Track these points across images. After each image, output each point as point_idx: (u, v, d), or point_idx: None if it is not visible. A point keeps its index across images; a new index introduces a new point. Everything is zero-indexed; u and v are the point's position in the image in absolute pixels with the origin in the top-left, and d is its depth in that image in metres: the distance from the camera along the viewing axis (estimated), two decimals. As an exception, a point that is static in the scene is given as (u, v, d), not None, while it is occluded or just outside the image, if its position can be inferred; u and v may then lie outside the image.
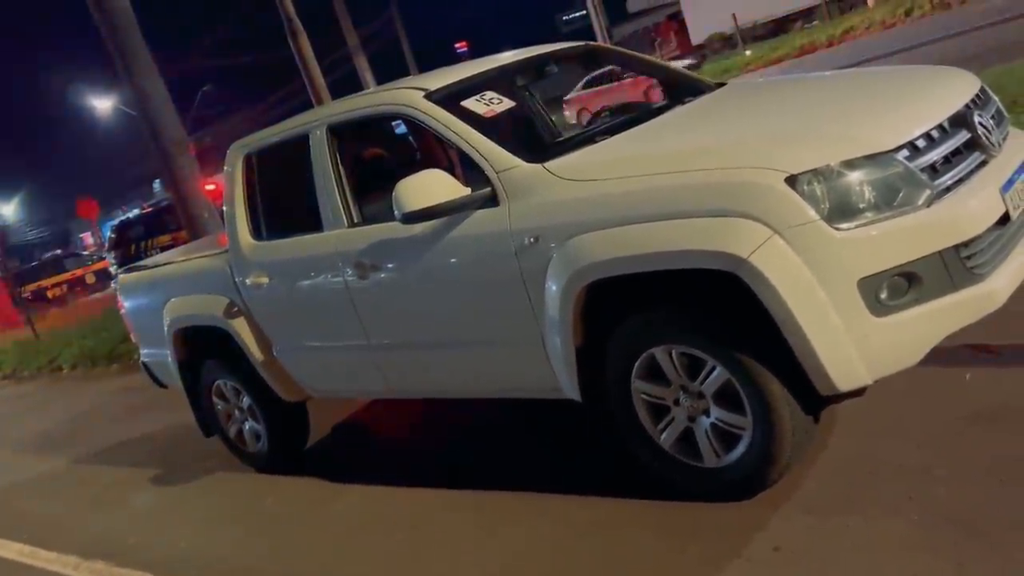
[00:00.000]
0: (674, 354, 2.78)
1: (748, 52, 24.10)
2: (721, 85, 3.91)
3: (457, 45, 43.61)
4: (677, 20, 33.96)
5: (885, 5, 22.02)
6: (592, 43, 4.58)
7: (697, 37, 31.18)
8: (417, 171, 3.14)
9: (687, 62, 23.11)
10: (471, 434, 4.46)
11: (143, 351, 5.31)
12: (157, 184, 41.15)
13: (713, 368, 2.71)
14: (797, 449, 2.71)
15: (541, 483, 3.50)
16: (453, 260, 3.22)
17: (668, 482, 2.99)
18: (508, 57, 3.99)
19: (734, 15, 26.72)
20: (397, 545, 3.49)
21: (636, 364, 2.87)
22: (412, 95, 3.42)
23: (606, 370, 2.96)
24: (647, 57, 4.63)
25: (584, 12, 29.31)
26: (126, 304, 5.22)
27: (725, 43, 28.38)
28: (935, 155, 2.55)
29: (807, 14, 28.36)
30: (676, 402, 2.87)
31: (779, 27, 28.72)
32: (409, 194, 3.06)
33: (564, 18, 52.88)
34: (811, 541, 2.57)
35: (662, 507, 2.99)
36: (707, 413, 2.81)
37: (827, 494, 2.78)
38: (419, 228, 3.25)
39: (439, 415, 4.81)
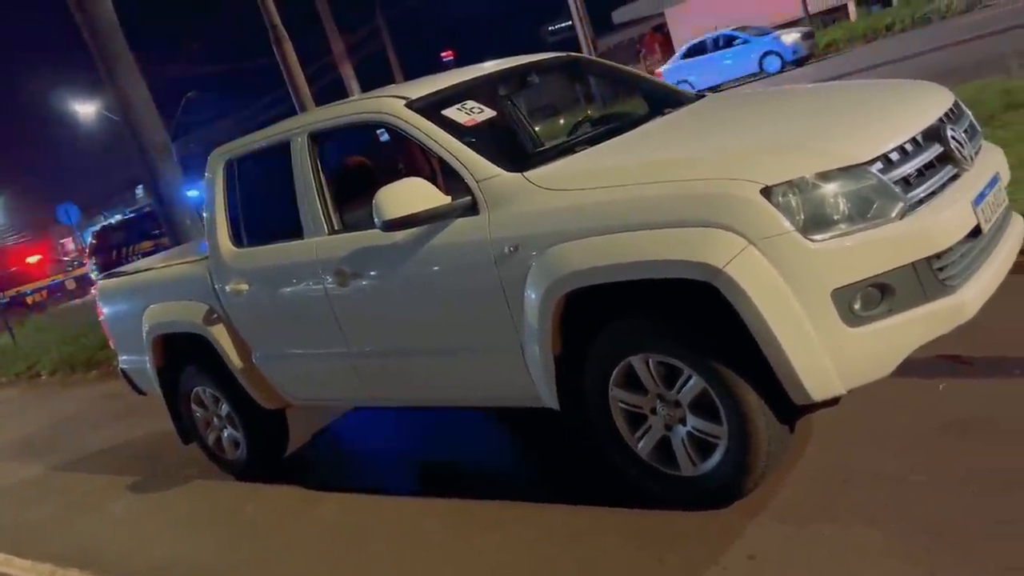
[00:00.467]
0: (651, 363, 2.80)
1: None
2: (701, 96, 3.95)
3: (443, 54, 43.67)
4: (662, 32, 34.15)
5: (867, 19, 22.26)
6: (574, 54, 4.61)
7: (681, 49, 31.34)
8: (399, 179, 3.15)
9: (804, 29, 21.20)
10: (451, 442, 4.46)
11: (121, 358, 5.28)
12: (140, 189, 40.91)
13: (689, 377, 2.73)
14: (772, 458, 2.73)
15: (522, 491, 3.51)
16: (433, 268, 3.23)
17: (646, 490, 3.01)
18: (490, 67, 4.01)
19: (716, 28, 26.87)
20: (378, 552, 3.48)
21: (614, 372, 2.89)
22: (393, 103, 3.43)
23: (584, 378, 2.98)
24: (628, 69, 4.66)
25: (570, 23, 29.42)
26: (105, 310, 5.19)
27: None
28: (908, 168, 2.58)
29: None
30: (653, 411, 2.89)
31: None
32: (389, 202, 3.06)
33: (550, 28, 53.05)
34: (787, 549, 2.59)
35: (641, 515, 3.01)
36: (683, 422, 2.83)
37: (803, 502, 2.80)
38: (399, 236, 3.26)
39: (419, 423, 4.81)
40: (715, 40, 21.20)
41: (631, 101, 4.46)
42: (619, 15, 42.46)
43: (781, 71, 19.79)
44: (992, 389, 3.10)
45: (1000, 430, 2.83)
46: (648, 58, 33.37)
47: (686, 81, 20.92)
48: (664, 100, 3.94)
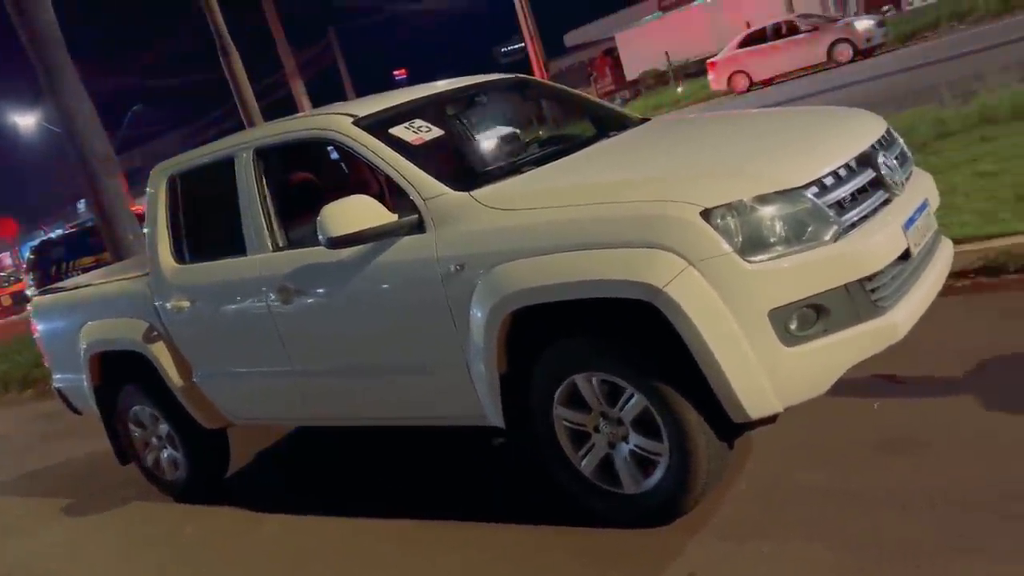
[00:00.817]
0: (595, 381, 2.83)
1: (680, 89, 24.66)
2: (645, 120, 4.02)
3: (396, 72, 43.82)
4: (612, 56, 34.65)
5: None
6: (523, 75, 4.66)
7: (631, 73, 31.82)
8: (346, 196, 3.14)
9: (877, 17, 19.42)
10: (395, 462, 4.42)
11: (56, 376, 5.14)
12: (82, 204, 39.98)
13: (631, 395, 2.76)
14: (712, 475, 2.77)
15: (467, 510, 3.50)
16: (378, 286, 3.22)
17: (589, 508, 3.02)
18: (439, 86, 4.03)
19: (667, 53, 27.37)
20: (321, 573, 3.43)
21: (558, 391, 2.91)
22: (340, 121, 3.43)
23: (529, 397, 2.99)
24: (575, 91, 4.73)
25: (522, 44, 29.70)
26: (40, 327, 5.05)
27: (658, 79, 28.99)
28: (842, 192, 2.66)
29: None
30: (596, 428, 2.92)
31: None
32: (334, 219, 3.04)
33: (503, 50, 53.58)
34: (726, 566, 2.63)
35: (586, 533, 3.02)
36: (626, 440, 2.86)
37: (742, 519, 2.84)
38: (345, 253, 3.25)
39: (363, 443, 4.76)
40: (777, 27, 19.35)
41: (578, 123, 4.51)
42: (571, 38, 43.13)
43: (852, 61, 18.04)
44: (924, 408, 3.19)
45: (934, 447, 2.91)
46: (599, 81, 33.85)
47: (742, 71, 19.36)
48: (610, 123, 4.00)
